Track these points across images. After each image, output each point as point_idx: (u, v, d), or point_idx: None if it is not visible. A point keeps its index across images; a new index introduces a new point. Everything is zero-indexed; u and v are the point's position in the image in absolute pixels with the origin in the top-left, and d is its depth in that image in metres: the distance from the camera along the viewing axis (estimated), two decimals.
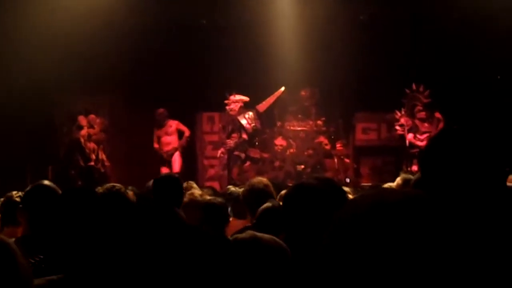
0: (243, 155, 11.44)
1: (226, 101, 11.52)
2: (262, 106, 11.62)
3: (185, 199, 4.70)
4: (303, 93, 12.01)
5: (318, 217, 2.32)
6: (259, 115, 11.62)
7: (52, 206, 2.84)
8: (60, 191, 3.35)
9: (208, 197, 4.91)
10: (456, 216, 0.84)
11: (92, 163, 11.44)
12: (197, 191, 5.14)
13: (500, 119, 10.50)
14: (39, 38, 9.97)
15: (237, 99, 11.41)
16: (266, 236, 2.17)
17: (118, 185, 4.14)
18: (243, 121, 11.42)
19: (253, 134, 11.54)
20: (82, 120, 11.52)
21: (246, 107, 11.58)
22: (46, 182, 3.37)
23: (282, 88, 11.57)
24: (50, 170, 11.16)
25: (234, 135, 11.44)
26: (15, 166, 9.96)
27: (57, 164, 11.39)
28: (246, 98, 11.46)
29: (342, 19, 11.22)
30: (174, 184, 4.42)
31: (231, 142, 11.46)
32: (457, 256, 0.80)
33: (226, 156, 11.52)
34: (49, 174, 10.96)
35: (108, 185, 4.09)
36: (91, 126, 11.58)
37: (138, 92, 11.68)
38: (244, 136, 11.39)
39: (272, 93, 11.61)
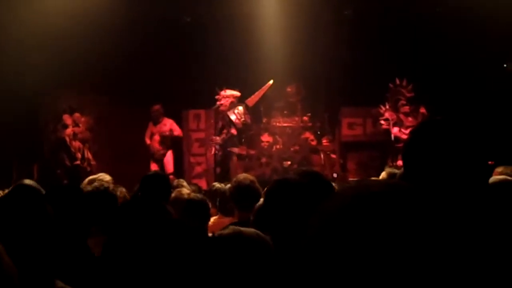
0: (236, 150, 11.43)
1: (217, 97, 11.48)
2: (251, 100, 11.60)
3: (172, 195, 4.71)
4: (288, 89, 12.03)
5: (300, 211, 2.33)
6: (248, 110, 11.60)
7: (35, 204, 2.83)
8: (43, 190, 3.36)
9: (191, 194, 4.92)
10: (438, 206, 0.84)
11: (78, 162, 11.39)
12: (185, 189, 5.14)
13: (485, 112, 10.60)
14: (24, 36, 9.91)
15: (227, 95, 11.37)
16: (250, 230, 2.18)
17: (106, 182, 4.16)
18: (233, 117, 11.39)
19: (243, 129, 11.52)
20: (67, 118, 11.45)
21: (237, 102, 11.58)
22: (28, 181, 3.37)
23: (271, 81, 11.55)
24: (35, 169, 11.11)
25: (225, 131, 11.42)
26: (0, 165, 9.89)
27: (43, 163, 11.34)
28: (237, 93, 11.41)
29: (326, 14, 11.24)
30: (162, 181, 4.44)
31: (217, 139, 11.44)
32: (439, 247, 0.80)
33: (220, 153, 11.48)
34: (34, 173, 10.91)
35: (97, 183, 4.11)
36: (76, 124, 11.52)
37: (123, 90, 11.63)
38: (233, 131, 11.36)
39: (259, 87, 11.60)
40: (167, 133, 11.92)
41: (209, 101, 11.88)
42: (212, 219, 4.76)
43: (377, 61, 11.27)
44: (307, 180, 2.53)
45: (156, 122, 11.92)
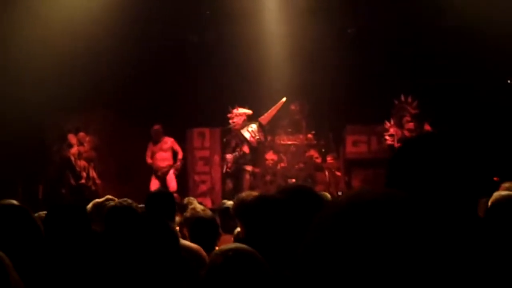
0: (249, 168, 11.44)
1: (229, 115, 11.49)
2: (265, 118, 11.63)
3: (187, 214, 4.73)
4: (293, 107, 12.04)
5: (278, 227, 2.35)
6: (262, 128, 11.62)
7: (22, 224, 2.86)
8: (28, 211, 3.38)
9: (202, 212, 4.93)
10: (429, 214, 0.85)
11: (83, 181, 11.40)
12: (198, 206, 5.16)
13: (489, 128, 10.58)
14: (29, 56, 9.97)
15: (240, 113, 11.39)
16: (247, 248, 2.18)
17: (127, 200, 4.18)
18: (246, 134, 11.41)
19: (257, 147, 11.55)
20: (72, 138, 11.48)
21: (248, 120, 11.61)
22: (13, 201, 3.37)
23: (284, 99, 11.60)
24: (40, 189, 11.12)
25: (238, 149, 11.42)
26: (6, 185, 9.89)
27: (48, 183, 11.35)
28: (249, 112, 11.45)
29: (330, 33, 11.28)
30: (167, 199, 4.42)
31: (230, 157, 11.42)
32: (428, 255, 0.80)
33: (231, 171, 11.45)
34: (39, 192, 10.93)
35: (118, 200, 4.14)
36: (81, 144, 11.54)
37: (128, 109, 11.68)
38: (246, 149, 11.36)
39: (263, 105, 11.61)
40: (169, 151, 11.92)
41: (213, 120, 11.91)
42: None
43: (381, 78, 11.29)
44: (288, 196, 2.54)
45: (156, 142, 11.94)
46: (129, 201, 4.16)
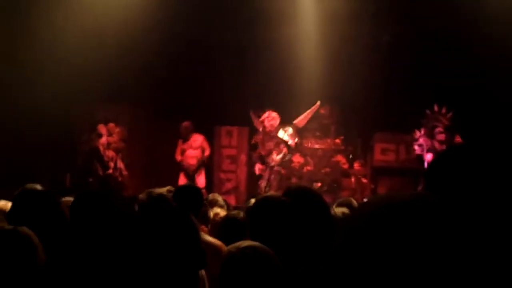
0: (283, 171, 11.44)
1: (263, 118, 11.47)
2: (301, 122, 11.62)
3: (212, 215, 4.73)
4: (322, 110, 12.00)
5: (281, 229, 2.36)
6: (298, 131, 11.62)
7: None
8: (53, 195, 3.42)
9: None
10: (462, 219, 0.83)
11: (111, 171, 11.50)
12: (220, 211, 5.14)
13: None
14: (61, 48, 10.09)
15: (274, 116, 11.39)
16: (263, 246, 2.19)
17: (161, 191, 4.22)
18: (285, 137, 11.41)
19: (294, 150, 11.54)
20: (102, 128, 11.59)
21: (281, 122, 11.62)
22: (38, 186, 3.42)
23: (318, 103, 11.59)
24: (68, 177, 11.24)
25: (275, 151, 11.40)
26: (34, 173, 10.01)
27: (75, 171, 11.47)
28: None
29: (364, 39, 11.23)
30: (195, 194, 4.43)
31: (275, 159, 11.37)
32: (460, 259, 0.79)
33: (266, 173, 11.44)
34: (67, 181, 11.05)
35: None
36: (110, 134, 11.64)
37: (158, 104, 11.77)
38: (285, 151, 11.37)
39: (294, 108, 11.59)
40: (199, 149, 11.94)
41: (242, 119, 11.92)
42: None
43: (413, 87, 11.19)
44: (291, 198, 2.55)
45: (186, 139, 11.96)
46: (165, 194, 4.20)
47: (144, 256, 2.13)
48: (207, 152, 12.03)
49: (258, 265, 2.12)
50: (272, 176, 11.29)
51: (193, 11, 11.02)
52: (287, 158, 11.28)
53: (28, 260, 1.91)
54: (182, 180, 11.52)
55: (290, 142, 11.42)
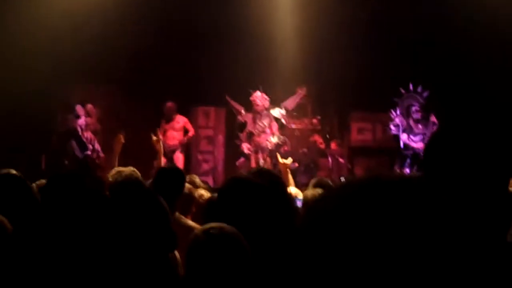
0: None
1: (252, 98, 11.25)
2: (290, 104, 11.52)
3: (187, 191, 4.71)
4: (299, 90, 11.99)
5: (252, 210, 2.37)
6: (288, 113, 11.53)
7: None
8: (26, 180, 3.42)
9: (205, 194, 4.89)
10: (449, 204, 0.83)
11: (89, 153, 11.40)
12: (204, 193, 5.11)
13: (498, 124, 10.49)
14: (37, 28, 9.96)
15: (265, 97, 11.21)
16: (230, 228, 2.19)
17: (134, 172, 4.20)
18: (278, 115, 11.28)
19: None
20: (80, 109, 11.46)
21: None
22: (12, 170, 3.42)
23: (304, 89, 11.58)
24: (43, 159, 11.14)
25: (269, 132, 11.26)
26: (10, 155, 9.92)
27: (51, 153, 11.36)
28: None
29: (340, 17, 11.21)
30: (177, 175, 4.41)
31: (271, 141, 11.18)
32: (435, 243, 0.78)
33: (259, 154, 11.29)
34: (42, 163, 10.95)
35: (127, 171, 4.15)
36: (88, 115, 11.53)
37: (134, 84, 11.67)
38: (275, 131, 11.24)
39: (268, 88, 11.54)
40: (181, 131, 11.85)
41: (219, 99, 11.87)
42: None
43: (389, 66, 11.23)
44: (258, 179, 2.55)
45: (169, 120, 11.86)
46: (135, 175, 4.17)
47: (112, 239, 2.13)
48: (191, 133, 11.94)
49: (223, 247, 2.12)
50: (265, 157, 11.19)
51: None
52: (281, 140, 11.20)
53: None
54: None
55: (283, 122, 11.36)
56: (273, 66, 11.21)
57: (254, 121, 11.26)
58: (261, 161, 10.92)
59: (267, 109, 11.18)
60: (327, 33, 10.92)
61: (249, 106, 11.31)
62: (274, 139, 11.10)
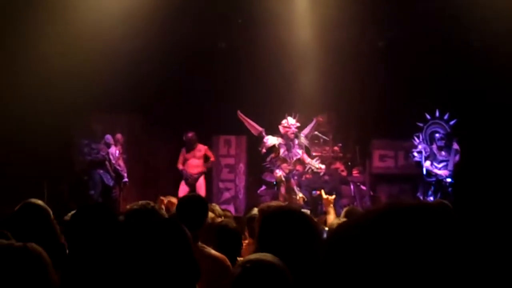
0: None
1: (286, 123, 11.23)
2: (306, 132, 11.54)
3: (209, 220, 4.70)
4: (320, 118, 11.97)
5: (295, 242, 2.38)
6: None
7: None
8: (49, 210, 3.42)
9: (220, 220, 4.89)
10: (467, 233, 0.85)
11: (126, 180, 11.49)
12: (220, 211, 5.11)
13: None
14: (59, 57, 10.06)
15: (295, 123, 11.21)
16: (268, 259, 2.16)
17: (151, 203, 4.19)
18: (306, 142, 11.30)
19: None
20: (110, 138, 11.54)
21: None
22: (37, 201, 3.43)
23: (319, 117, 11.60)
24: (66, 189, 11.17)
25: (306, 157, 11.26)
26: (33, 183, 9.97)
27: (73, 183, 11.41)
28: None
29: (361, 45, 11.25)
30: (199, 204, 4.38)
31: (313, 164, 11.18)
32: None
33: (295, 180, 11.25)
34: (65, 192, 10.99)
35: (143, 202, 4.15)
36: (118, 144, 11.63)
37: (155, 114, 11.76)
38: (305, 158, 11.25)
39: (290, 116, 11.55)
40: (201, 159, 11.90)
41: (239, 127, 11.89)
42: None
43: (409, 93, 11.20)
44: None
45: (190, 149, 11.90)
46: (151, 204, 4.16)
47: (137, 270, 2.11)
48: (212, 159, 11.99)
49: (260, 280, 2.09)
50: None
51: (187, 19, 11.02)
52: (317, 164, 11.22)
53: (39, 279, 1.88)
54: (183, 190, 11.46)
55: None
56: (294, 94, 11.22)
57: (289, 148, 11.16)
58: (296, 189, 10.89)
59: (297, 136, 11.17)
60: (347, 61, 10.93)
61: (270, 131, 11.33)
62: (317, 164, 11.10)
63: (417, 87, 11.28)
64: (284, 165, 11.16)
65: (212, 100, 11.95)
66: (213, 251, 3.93)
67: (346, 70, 10.99)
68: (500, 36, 10.04)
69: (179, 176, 11.85)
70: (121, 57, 10.31)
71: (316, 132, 11.72)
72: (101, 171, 11.37)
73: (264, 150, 11.20)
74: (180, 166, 11.84)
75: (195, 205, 4.28)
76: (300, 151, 11.16)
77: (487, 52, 10.46)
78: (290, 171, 11.11)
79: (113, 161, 11.40)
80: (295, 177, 11.10)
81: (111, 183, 11.37)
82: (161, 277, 2.20)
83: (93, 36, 10.16)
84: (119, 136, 11.66)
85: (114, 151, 11.47)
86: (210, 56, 11.75)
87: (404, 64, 11.23)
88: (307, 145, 11.36)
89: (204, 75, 11.72)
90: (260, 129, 11.32)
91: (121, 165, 11.50)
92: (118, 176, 11.42)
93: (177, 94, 11.73)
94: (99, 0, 10.54)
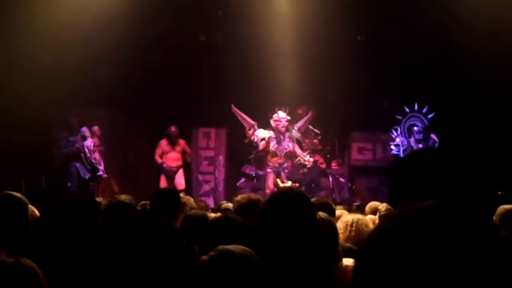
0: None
1: (277, 117, 11.34)
2: (300, 125, 11.66)
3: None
4: (299, 111, 12.03)
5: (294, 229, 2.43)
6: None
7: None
8: (27, 202, 3.42)
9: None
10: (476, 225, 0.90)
11: (100, 173, 11.40)
12: (193, 204, 5.12)
13: (495, 144, 10.56)
14: (40, 50, 9.99)
15: (285, 117, 11.35)
16: (238, 248, 2.17)
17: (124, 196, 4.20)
18: (298, 135, 11.44)
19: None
20: (86, 131, 11.46)
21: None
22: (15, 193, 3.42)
23: (310, 112, 11.77)
24: (43, 180, 11.10)
25: (297, 150, 11.37)
26: (9, 177, 9.89)
27: (51, 175, 11.33)
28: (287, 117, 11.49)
29: (340, 39, 11.28)
30: (172, 197, 4.45)
31: (304, 157, 11.31)
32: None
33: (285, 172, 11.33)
34: (42, 185, 10.92)
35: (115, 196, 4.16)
36: (95, 136, 11.54)
37: (134, 107, 11.71)
38: (297, 150, 11.36)
39: (270, 109, 11.57)
40: (180, 153, 11.87)
41: (219, 120, 11.91)
42: None
43: (388, 86, 11.28)
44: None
45: (173, 143, 11.85)
46: (129, 198, 4.18)
47: (123, 266, 2.11)
48: (189, 150, 11.97)
49: (225, 270, 2.09)
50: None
51: (169, 13, 10.99)
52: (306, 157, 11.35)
53: None
54: (164, 183, 11.45)
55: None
56: (272, 87, 11.24)
57: (279, 141, 11.32)
58: (286, 182, 10.97)
59: (288, 130, 11.31)
60: (326, 54, 10.97)
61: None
62: (306, 157, 11.23)
63: (396, 80, 11.37)
64: (274, 159, 11.25)
65: (192, 92, 11.94)
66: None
67: (325, 64, 11.03)
68: (477, 31, 10.14)
69: (159, 169, 11.84)
70: (99, 50, 10.26)
71: (310, 126, 11.82)
72: (78, 164, 11.32)
73: (247, 141, 11.36)
74: (158, 159, 11.80)
75: (167, 198, 4.35)
76: (290, 144, 11.29)
77: (466, 47, 10.56)
78: (280, 164, 11.20)
79: (88, 154, 11.33)
80: (285, 170, 11.19)
81: (87, 176, 11.32)
82: (155, 277, 2.19)
83: (72, 29, 10.09)
84: (95, 128, 11.56)
85: (90, 143, 11.39)
86: (189, 49, 11.72)
87: (383, 58, 11.32)
88: (299, 138, 11.47)
89: (183, 68, 11.69)
90: (253, 122, 11.43)
91: (96, 158, 11.41)
92: (93, 168, 11.35)
93: (156, 87, 11.69)
94: None
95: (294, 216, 2.55)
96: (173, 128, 11.74)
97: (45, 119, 11.15)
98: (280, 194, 2.76)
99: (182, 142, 11.93)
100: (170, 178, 11.74)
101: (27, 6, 10.00)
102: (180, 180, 11.79)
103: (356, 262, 0.94)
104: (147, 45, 11.09)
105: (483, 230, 0.88)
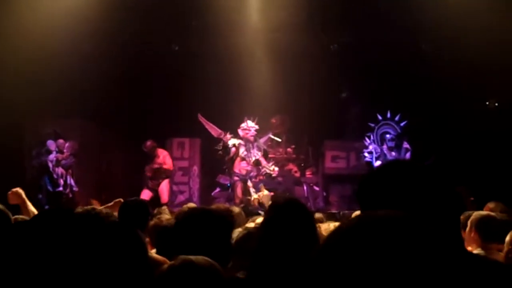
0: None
1: (245, 126, 11.34)
2: (262, 141, 11.69)
3: (151, 222, 4.66)
4: (273, 120, 12.07)
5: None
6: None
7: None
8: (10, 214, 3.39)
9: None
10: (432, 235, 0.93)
11: (60, 189, 11.28)
12: (166, 216, 5.09)
13: (467, 149, 10.72)
14: (9, 60, 9.87)
15: (254, 126, 11.36)
16: (199, 258, 2.18)
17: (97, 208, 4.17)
18: (263, 146, 11.47)
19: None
20: (51, 144, 11.37)
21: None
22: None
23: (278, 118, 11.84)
24: None
25: (264, 160, 11.37)
26: None
27: (24, 188, 11.17)
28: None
29: (312, 48, 11.34)
30: (141, 208, 4.45)
31: (269, 168, 11.31)
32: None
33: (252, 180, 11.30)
34: None
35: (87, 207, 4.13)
36: (60, 151, 11.42)
37: (107, 118, 11.62)
38: (262, 160, 11.36)
39: (243, 119, 11.58)
40: (159, 166, 11.75)
41: (193, 130, 11.88)
42: None
43: (361, 95, 11.38)
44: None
45: (153, 158, 11.75)
46: (98, 209, 4.15)
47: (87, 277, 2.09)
48: (166, 166, 11.83)
49: (185, 279, 2.09)
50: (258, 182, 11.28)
51: (142, 23, 10.95)
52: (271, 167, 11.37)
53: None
54: (145, 195, 11.32)
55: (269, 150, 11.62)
56: (246, 97, 11.25)
57: (248, 149, 11.32)
58: (252, 190, 10.95)
59: (255, 139, 11.33)
60: (301, 63, 11.02)
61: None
62: (271, 167, 11.24)
63: (369, 89, 11.47)
64: (243, 165, 11.26)
65: (166, 103, 11.90)
66: (154, 254, 3.88)
67: (298, 73, 11.09)
68: (448, 39, 10.31)
69: (136, 181, 11.77)
70: (72, 61, 10.18)
71: (270, 135, 11.84)
72: (46, 177, 11.23)
73: (220, 150, 11.33)
74: (149, 175, 11.71)
75: (136, 209, 4.36)
76: (259, 153, 11.31)
77: (437, 55, 10.72)
78: (248, 172, 11.19)
79: (51, 169, 11.22)
80: (253, 179, 11.18)
81: (51, 189, 11.21)
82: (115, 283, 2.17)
83: (45, 40, 9.98)
84: (60, 141, 11.42)
85: (53, 158, 11.28)
86: (163, 59, 11.68)
87: (355, 66, 11.42)
88: (265, 148, 11.52)
89: (157, 78, 11.67)
90: (220, 131, 11.41)
91: (59, 173, 11.27)
92: (54, 183, 11.23)
93: (130, 97, 11.62)
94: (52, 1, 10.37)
95: (296, 226, 2.62)
96: (147, 143, 11.63)
97: (19, 130, 11.04)
98: (282, 205, 2.82)
99: (161, 153, 11.82)
100: (153, 190, 11.63)
101: (0, 14, 9.89)
102: (163, 193, 11.65)
103: (314, 257, 0.99)
104: (120, 55, 11.04)
105: (430, 242, 0.93)
